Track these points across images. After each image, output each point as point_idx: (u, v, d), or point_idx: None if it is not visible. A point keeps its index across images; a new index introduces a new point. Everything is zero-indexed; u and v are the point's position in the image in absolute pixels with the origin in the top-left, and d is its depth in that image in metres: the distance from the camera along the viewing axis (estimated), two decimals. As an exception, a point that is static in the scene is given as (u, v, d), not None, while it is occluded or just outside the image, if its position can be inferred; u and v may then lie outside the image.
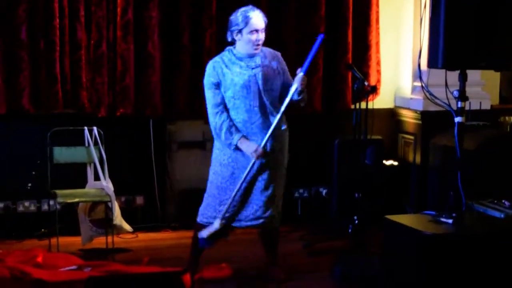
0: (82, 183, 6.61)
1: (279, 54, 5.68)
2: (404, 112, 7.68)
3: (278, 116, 5.46)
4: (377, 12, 7.58)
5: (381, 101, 7.63)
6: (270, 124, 5.44)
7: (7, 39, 6.59)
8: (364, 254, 6.23)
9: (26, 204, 6.95)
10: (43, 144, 6.56)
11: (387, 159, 7.55)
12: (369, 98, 6.56)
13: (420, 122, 7.37)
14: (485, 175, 6.48)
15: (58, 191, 6.41)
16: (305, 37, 7.35)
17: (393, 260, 5.26)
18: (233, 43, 5.52)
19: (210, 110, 5.41)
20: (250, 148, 5.37)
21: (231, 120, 5.39)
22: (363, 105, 6.53)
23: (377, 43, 7.63)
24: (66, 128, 6.60)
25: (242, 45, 5.41)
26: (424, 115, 7.31)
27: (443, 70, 5.28)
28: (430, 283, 4.90)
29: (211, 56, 7.04)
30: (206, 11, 7.04)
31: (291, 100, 5.51)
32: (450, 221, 5.09)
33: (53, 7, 6.61)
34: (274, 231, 5.75)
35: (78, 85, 6.78)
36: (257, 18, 5.38)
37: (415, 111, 7.44)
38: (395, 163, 7.60)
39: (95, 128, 6.57)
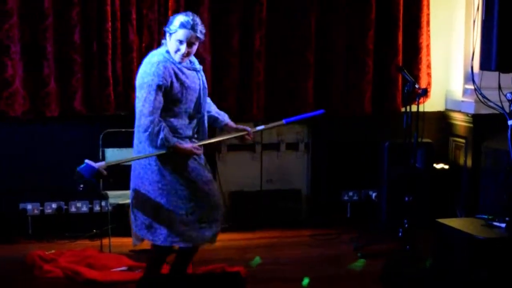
0: (133, 185, 6.66)
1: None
2: (455, 115, 7.61)
3: (225, 137, 5.39)
4: (428, 14, 7.53)
5: (431, 104, 7.59)
6: (205, 131, 5.13)
7: (60, 42, 6.70)
8: (414, 258, 6.19)
9: (78, 205, 7.05)
10: (95, 145, 6.64)
11: (437, 163, 7.49)
12: (419, 101, 6.53)
13: (471, 125, 7.30)
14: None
15: (110, 192, 6.48)
16: (356, 40, 7.35)
17: (444, 263, 5.22)
18: None
19: (147, 113, 4.81)
20: (188, 144, 4.95)
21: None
22: (413, 108, 6.50)
23: (428, 46, 7.58)
24: (118, 130, 6.68)
25: (170, 49, 4.98)
26: (476, 118, 7.24)
27: (496, 72, 5.22)
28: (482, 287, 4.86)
29: (260, 59, 7.13)
30: (256, 14, 7.06)
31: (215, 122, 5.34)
32: (503, 225, 5.05)
33: (106, 10, 6.70)
34: None
35: (130, 87, 6.83)
36: (189, 32, 4.88)
37: (466, 114, 7.37)
38: (446, 167, 7.54)
39: (146, 130, 6.61)
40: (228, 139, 5.43)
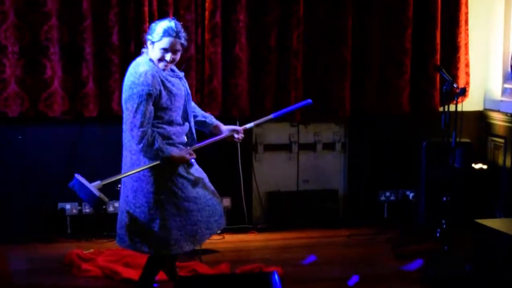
0: (171, 184, 6.68)
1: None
2: (494, 114, 7.55)
3: (216, 138, 5.22)
4: (466, 13, 7.47)
5: (470, 103, 7.52)
6: (194, 136, 5.12)
7: (99, 43, 6.75)
8: (453, 258, 6.15)
9: (116, 204, 7.04)
10: (133, 145, 6.66)
11: (476, 163, 7.43)
12: (458, 100, 6.48)
13: (510, 124, 7.23)
14: None
15: (147, 192, 6.50)
16: (393, 37, 7.31)
17: (483, 263, 5.18)
18: None
19: (139, 124, 4.77)
20: (182, 151, 4.95)
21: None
22: (451, 107, 6.46)
23: (466, 45, 7.52)
24: (155, 130, 6.70)
25: (153, 57, 4.93)
26: (515, 118, 7.19)
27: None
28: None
29: (298, 57, 7.12)
30: (293, 12, 7.05)
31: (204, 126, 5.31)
32: (543, 225, 5.00)
33: (143, 11, 6.73)
34: None
35: (167, 87, 6.88)
36: (173, 39, 4.86)
37: (506, 113, 7.31)
38: (484, 167, 7.47)
39: (183, 130, 6.64)
40: (219, 139, 5.28)
